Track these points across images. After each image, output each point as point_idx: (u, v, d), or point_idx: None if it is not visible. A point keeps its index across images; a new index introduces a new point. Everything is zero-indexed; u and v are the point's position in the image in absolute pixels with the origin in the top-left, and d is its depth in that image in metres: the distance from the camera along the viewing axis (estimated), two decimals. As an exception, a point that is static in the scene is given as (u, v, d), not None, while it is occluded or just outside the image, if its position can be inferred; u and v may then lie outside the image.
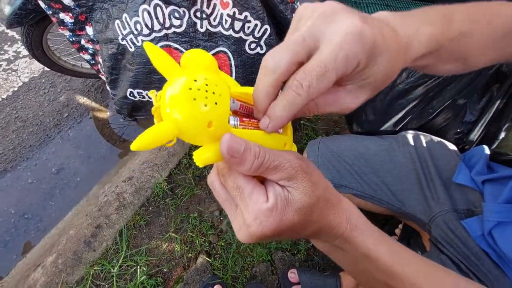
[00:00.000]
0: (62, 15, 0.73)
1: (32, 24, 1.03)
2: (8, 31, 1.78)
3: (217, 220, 1.13)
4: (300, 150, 1.26)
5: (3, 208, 1.25)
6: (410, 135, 0.73)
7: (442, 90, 0.65)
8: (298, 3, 0.64)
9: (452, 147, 0.70)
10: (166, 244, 1.07)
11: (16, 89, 1.56)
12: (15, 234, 1.21)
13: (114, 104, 0.94)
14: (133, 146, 0.19)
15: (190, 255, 1.05)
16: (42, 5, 0.68)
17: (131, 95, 0.84)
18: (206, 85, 0.21)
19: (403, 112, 0.73)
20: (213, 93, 0.21)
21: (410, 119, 0.73)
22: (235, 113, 0.26)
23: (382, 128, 0.79)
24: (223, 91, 0.22)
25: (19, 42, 1.74)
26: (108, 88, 0.89)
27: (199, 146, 0.23)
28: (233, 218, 0.26)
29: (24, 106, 1.51)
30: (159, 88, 0.23)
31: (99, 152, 1.41)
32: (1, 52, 1.69)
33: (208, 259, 1.03)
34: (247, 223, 0.23)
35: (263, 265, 1.02)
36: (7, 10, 0.94)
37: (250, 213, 0.23)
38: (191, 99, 0.20)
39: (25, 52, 1.69)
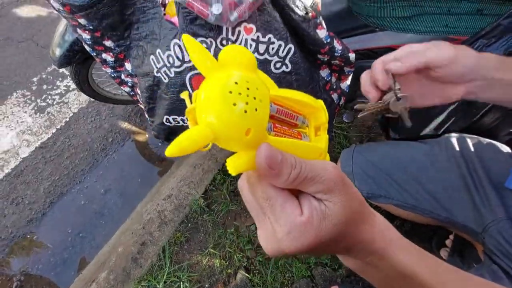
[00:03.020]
0: (104, 55, 0.81)
1: (79, 62, 1.16)
2: (60, 68, 2.01)
3: (253, 235, 1.13)
4: (334, 160, 1.23)
5: (61, 228, 1.38)
6: (454, 137, 0.67)
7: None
8: (320, 18, 0.65)
9: (505, 148, 0.64)
10: (206, 259, 1.10)
11: (68, 119, 1.74)
12: (72, 251, 1.32)
13: (152, 130, 1.01)
14: (168, 152, 0.18)
15: (229, 270, 1.07)
16: (87, 48, 0.77)
17: (167, 121, 0.89)
18: (248, 88, 0.19)
19: (445, 113, 0.68)
20: (254, 98, 0.19)
21: (453, 121, 0.68)
22: (271, 117, 0.24)
23: (422, 133, 0.74)
24: (264, 96, 0.21)
25: (68, 77, 1.95)
26: (146, 116, 0.96)
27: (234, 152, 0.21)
28: (261, 225, 0.24)
29: (75, 134, 1.67)
30: None
31: (141, 171, 1.51)
32: (54, 87, 1.91)
33: (247, 275, 1.04)
34: (278, 237, 0.21)
35: (303, 281, 1.00)
36: (58, 52, 1.07)
37: (282, 227, 0.21)
38: (230, 103, 0.19)
39: (74, 85, 1.88)
